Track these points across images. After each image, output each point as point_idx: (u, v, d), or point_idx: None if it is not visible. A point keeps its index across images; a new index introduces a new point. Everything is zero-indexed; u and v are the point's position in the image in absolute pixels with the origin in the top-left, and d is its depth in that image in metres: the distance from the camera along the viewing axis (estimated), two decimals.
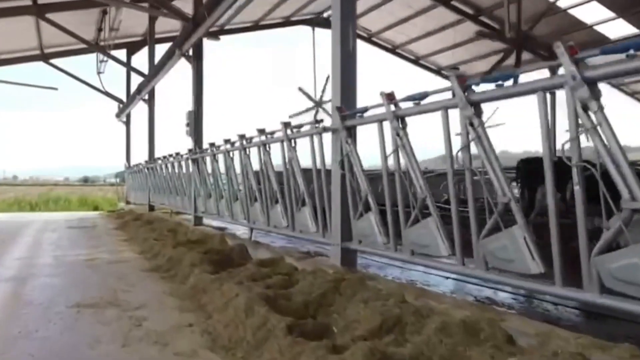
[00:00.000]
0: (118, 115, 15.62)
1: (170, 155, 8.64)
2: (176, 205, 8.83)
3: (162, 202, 10.18)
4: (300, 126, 4.38)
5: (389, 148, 3.39)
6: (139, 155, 15.64)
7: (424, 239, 3.15)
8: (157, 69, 9.86)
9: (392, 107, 3.32)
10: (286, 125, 4.50)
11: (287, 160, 4.66)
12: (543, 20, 15.26)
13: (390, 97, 3.28)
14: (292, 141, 4.49)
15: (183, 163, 7.93)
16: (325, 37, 22.62)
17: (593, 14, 14.85)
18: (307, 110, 18.41)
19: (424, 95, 3.13)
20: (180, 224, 7.98)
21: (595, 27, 15.32)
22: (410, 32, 18.73)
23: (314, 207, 4.32)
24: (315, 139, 4.08)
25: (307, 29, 19.06)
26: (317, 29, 19.04)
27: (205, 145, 7.11)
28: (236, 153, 5.77)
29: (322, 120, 4.04)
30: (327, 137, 3.99)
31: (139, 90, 11.40)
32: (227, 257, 5.02)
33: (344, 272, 3.37)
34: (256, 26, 17.75)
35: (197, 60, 7.34)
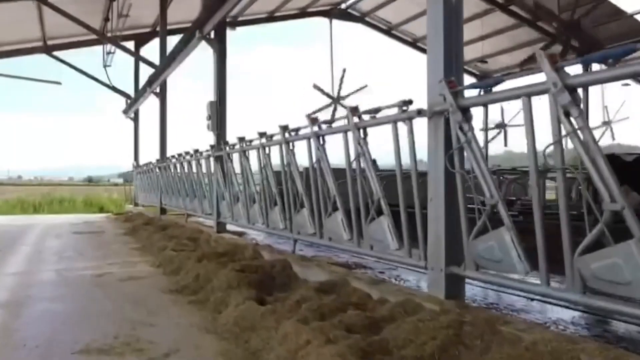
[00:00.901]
0: (126, 112, 14.75)
1: (187, 153, 7.73)
2: (194, 209, 7.92)
3: (176, 205, 9.29)
4: (374, 111, 3.43)
5: None
6: (148, 155, 14.80)
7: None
8: (170, 58, 8.97)
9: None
10: (354, 110, 3.55)
11: (358, 155, 3.64)
12: (578, 10, 14.34)
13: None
14: (362, 131, 3.57)
15: (203, 161, 7.03)
16: (342, 31, 21.72)
17: (633, 3, 13.88)
18: (325, 107, 17.46)
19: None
20: (200, 231, 7.08)
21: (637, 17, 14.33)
22: None
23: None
24: (404, 126, 3.15)
25: (324, 21, 18.13)
26: (334, 21, 18.07)
27: (231, 140, 6.18)
28: (273, 149, 4.90)
29: (410, 101, 3.11)
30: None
31: (150, 82, 10.52)
32: (269, 277, 4.11)
33: (458, 310, 2.43)
34: (271, 17, 16.86)
35: (219, 43, 6.44)
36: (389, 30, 19.00)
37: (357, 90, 17.86)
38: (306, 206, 4.42)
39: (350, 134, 3.72)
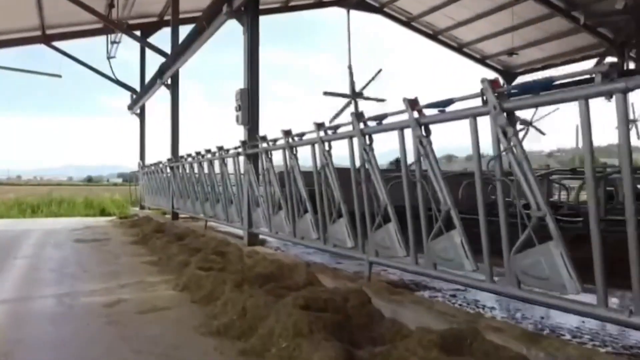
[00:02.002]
0: (131, 107, 13.68)
1: (208, 151, 6.68)
2: (216, 216, 6.86)
3: (192, 210, 8.23)
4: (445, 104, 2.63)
5: None
6: (155, 154, 13.72)
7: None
8: (188, 42, 7.90)
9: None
10: (412, 103, 3.03)
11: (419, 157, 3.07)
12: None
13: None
14: (422, 127, 2.76)
15: (230, 161, 5.97)
16: (361, 22, 20.62)
17: None
18: (345, 107, 16.40)
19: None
20: (226, 242, 6.02)
21: None
22: (455, 16, 16.75)
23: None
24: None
25: (341, 12, 17.06)
26: (352, 12, 17.00)
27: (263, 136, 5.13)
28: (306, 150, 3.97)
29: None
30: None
31: (161, 72, 9.46)
32: (345, 316, 3.07)
33: None
34: (286, 7, 15.82)
35: (251, 19, 5.37)
36: (408, 22, 17.94)
37: (373, 78, 16.78)
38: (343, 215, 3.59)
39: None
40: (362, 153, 3.61)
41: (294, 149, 4.35)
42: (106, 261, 6.16)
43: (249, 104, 5.44)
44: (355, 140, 3.68)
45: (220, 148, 6.19)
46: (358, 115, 3.64)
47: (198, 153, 7.29)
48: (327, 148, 4.01)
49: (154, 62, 11.31)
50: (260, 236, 5.74)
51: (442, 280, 3.30)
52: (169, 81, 9.71)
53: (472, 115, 2.72)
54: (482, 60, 19.21)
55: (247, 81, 5.50)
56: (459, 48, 18.83)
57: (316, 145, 4.10)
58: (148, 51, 13.09)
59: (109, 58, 13.21)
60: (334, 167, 3.97)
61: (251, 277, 4.05)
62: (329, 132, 3.98)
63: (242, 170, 5.76)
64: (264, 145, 5.01)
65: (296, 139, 4.28)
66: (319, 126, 4.02)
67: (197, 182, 7.61)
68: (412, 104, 3.06)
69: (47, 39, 12.96)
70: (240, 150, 5.61)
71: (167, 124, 9.84)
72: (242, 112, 5.44)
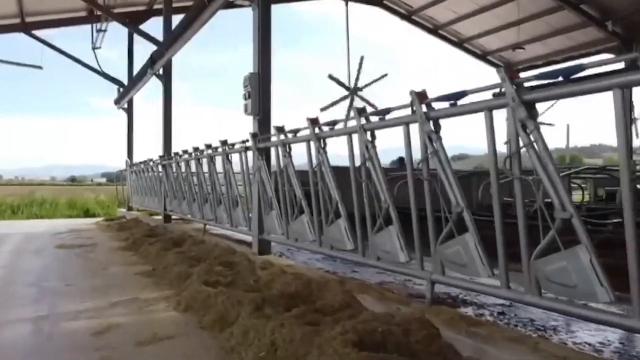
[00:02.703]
0: (118, 102, 12.82)
1: (209, 147, 5.93)
2: (219, 219, 6.11)
3: (188, 212, 7.46)
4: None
5: None
6: (142, 153, 12.90)
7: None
8: (184, 26, 7.12)
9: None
10: (420, 96, 2.83)
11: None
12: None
13: None
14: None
15: (237, 157, 5.22)
16: (359, 14, 19.96)
17: None
18: (341, 99, 15.72)
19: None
20: (231, 250, 5.29)
21: None
22: (457, 9, 16.17)
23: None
24: None
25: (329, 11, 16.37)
26: (350, 3, 16.31)
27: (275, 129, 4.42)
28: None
29: None
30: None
31: (153, 61, 8.66)
32: (411, 356, 2.37)
33: None
34: None
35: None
36: (408, 16, 17.32)
37: (376, 80, 16.21)
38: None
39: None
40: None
41: (322, 140, 3.66)
42: (93, 272, 5.39)
43: (259, 90, 4.71)
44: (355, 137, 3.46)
45: (224, 142, 5.45)
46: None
47: (196, 149, 6.54)
48: (370, 139, 3.43)
49: (142, 55, 10.51)
50: (279, 243, 5.00)
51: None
52: (161, 71, 8.92)
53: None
54: (483, 57, 18.70)
55: (257, 64, 4.77)
56: (460, 43, 18.30)
57: (355, 136, 3.42)
58: (136, 43, 12.30)
59: (94, 49, 12.36)
60: (378, 163, 3.37)
61: (273, 297, 3.33)
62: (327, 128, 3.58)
63: (250, 168, 5.03)
64: (282, 137, 4.29)
65: (326, 128, 3.58)
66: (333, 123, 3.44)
67: (195, 182, 6.85)
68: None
69: (26, 27, 12.05)
70: (248, 144, 4.89)
71: (155, 122, 9.09)
72: (252, 100, 4.71)
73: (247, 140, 4.96)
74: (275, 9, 5.08)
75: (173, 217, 9.07)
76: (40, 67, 12.77)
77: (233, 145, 5.22)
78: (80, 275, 5.20)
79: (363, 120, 3.40)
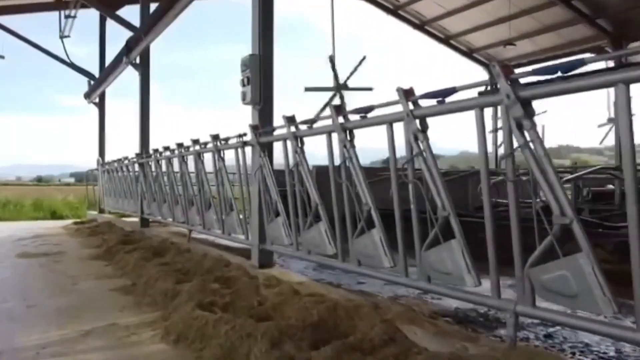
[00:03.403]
0: (88, 95, 11.87)
1: (196, 142, 5.18)
2: (208, 226, 5.36)
3: (169, 217, 6.69)
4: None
5: None
6: (115, 151, 11.97)
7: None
8: (161, 13, 6.36)
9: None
10: (406, 93, 2.59)
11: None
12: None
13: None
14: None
15: (241, 153, 4.44)
16: (344, 8, 19.33)
17: None
18: (330, 101, 15.00)
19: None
20: (225, 262, 4.57)
21: None
22: (445, 4, 15.73)
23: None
24: None
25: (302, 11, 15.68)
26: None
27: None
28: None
29: None
30: None
31: (129, 48, 7.82)
32: None
33: None
34: None
35: None
36: (395, 10, 16.79)
37: (358, 65, 15.48)
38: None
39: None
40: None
41: (350, 132, 3.02)
42: (60, 287, 4.63)
43: (261, 75, 4.02)
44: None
45: (215, 137, 4.72)
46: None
47: (180, 145, 5.79)
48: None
49: (115, 47, 9.61)
50: (277, 250, 4.30)
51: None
52: (137, 60, 8.10)
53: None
54: (469, 54, 18.31)
55: (258, 44, 4.06)
56: (446, 40, 17.87)
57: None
58: (109, 40, 11.40)
59: (62, 37, 11.36)
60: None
61: (292, 328, 2.66)
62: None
63: (246, 165, 4.32)
64: (292, 129, 3.60)
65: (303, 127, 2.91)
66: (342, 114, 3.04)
67: (179, 182, 6.09)
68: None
69: None
70: (247, 138, 4.19)
71: (127, 121, 8.26)
72: (252, 87, 4.00)
73: (245, 134, 4.25)
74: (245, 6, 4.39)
75: (151, 220, 8.26)
76: (1, 57, 11.71)
77: (227, 140, 4.50)
78: (45, 293, 4.42)
79: (341, 119, 3.27)
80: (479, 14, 15.64)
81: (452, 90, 2.55)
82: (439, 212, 2.61)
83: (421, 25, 17.35)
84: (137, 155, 7.94)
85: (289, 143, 3.69)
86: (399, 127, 2.91)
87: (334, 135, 3.32)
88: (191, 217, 5.77)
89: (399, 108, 2.79)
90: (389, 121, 2.91)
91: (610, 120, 20.86)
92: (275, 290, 3.50)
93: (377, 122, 3.03)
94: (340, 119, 3.24)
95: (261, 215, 4.05)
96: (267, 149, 3.98)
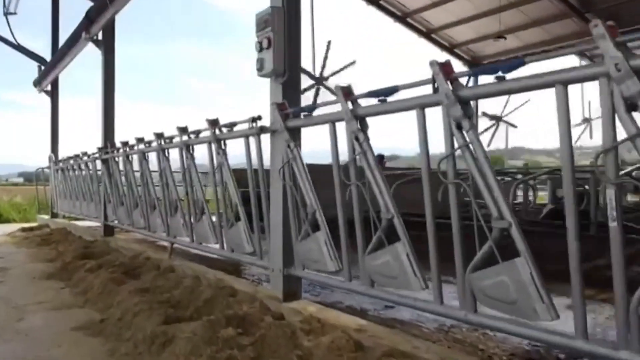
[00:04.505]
0: (39, 82, 10.32)
1: (183, 131, 4.00)
2: (200, 238, 4.17)
3: (142, 225, 5.44)
4: None
5: None
6: (69, 150, 10.46)
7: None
8: None
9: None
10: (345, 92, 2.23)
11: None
12: None
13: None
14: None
15: (255, 143, 3.24)
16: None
17: None
18: (308, 88, 13.97)
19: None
20: (230, 291, 3.42)
21: None
22: None
23: None
24: None
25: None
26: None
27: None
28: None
29: None
30: None
31: (90, 21, 6.47)
32: None
33: None
34: None
35: None
36: (377, 0, 15.88)
37: (345, 67, 14.60)
38: None
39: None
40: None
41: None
42: (0, 326, 3.39)
43: (286, 35, 2.90)
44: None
45: (213, 123, 3.56)
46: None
47: (160, 136, 4.58)
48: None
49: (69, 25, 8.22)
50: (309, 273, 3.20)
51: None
52: (100, 35, 6.78)
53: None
54: (450, 49, 17.64)
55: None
56: (428, 33, 17.11)
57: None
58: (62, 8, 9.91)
59: (6, 14, 9.81)
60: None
61: None
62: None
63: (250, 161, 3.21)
64: (326, 111, 2.56)
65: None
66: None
67: (157, 183, 4.88)
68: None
69: None
70: (262, 123, 3.07)
71: (79, 119, 6.99)
72: (275, 52, 2.86)
73: (259, 118, 3.13)
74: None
75: (116, 228, 6.96)
76: None
77: (232, 126, 3.33)
78: None
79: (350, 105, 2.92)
80: (464, 6, 14.96)
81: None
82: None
83: (403, 17, 16.52)
84: (100, 149, 6.63)
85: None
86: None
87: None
88: (174, 227, 4.57)
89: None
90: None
91: (585, 120, 20.80)
92: (323, 339, 2.41)
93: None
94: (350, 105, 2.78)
95: (287, 227, 2.95)
96: (294, 137, 2.90)
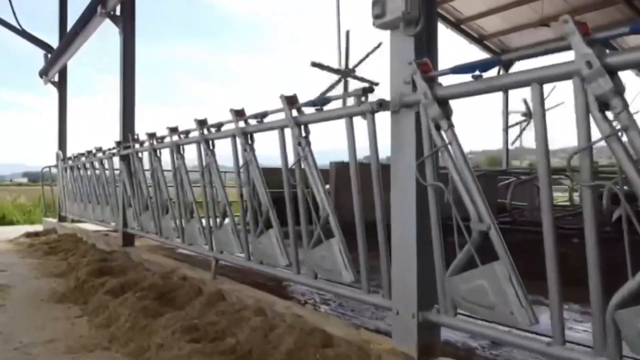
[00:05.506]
0: (45, 72, 9.34)
1: (240, 114, 3.02)
2: (267, 257, 3.15)
3: (175, 236, 4.45)
4: None
5: None
6: (74, 147, 9.46)
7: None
8: None
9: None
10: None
11: None
12: None
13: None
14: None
15: (371, 122, 2.27)
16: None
17: None
18: (335, 84, 13.00)
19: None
20: (319, 333, 2.41)
21: None
22: None
23: None
24: None
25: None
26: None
27: None
28: None
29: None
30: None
31: None
32: None
33: None
34: None
35: None
36: None
37: (371, 52, 13.47)
38: None
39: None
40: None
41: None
42: None
43: None
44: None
45: (291, 99, 2.59)
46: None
47: (202, 123, 3.59)
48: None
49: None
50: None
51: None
52: (118, 10, 5.80)
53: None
54: (480, 41, 16.65)
55: None
56: (457, 24, 16.13)
57: None
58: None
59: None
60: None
61: None
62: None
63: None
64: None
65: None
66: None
67: (196, 183, 3.88)
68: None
69: None
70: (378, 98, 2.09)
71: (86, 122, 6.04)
72: None
73: (370, 90, 2.15)
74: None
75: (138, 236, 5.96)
76: None
77: (262, 117, 2.33)
78: None
79: (242, 124, 3.32)
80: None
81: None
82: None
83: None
84: (118, 143, 5.64)
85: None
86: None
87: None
88: (220, 240, 3.56)
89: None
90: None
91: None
92: None
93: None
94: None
95: (425, 250, 1.97)
96: (450, 114, 1.98)
